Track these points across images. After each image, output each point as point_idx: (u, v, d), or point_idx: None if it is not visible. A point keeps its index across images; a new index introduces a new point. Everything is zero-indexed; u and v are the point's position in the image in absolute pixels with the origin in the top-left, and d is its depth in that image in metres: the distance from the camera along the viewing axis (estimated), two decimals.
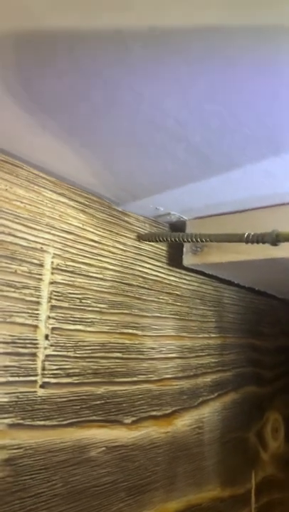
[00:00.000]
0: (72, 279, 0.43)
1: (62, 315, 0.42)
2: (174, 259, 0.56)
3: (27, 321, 0.38)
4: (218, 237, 0.46)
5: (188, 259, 0.53)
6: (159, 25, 0.23)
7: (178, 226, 0.55)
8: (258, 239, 0.42)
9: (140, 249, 0.52)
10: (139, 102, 0.30)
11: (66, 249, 0.43)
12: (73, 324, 0.43)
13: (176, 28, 0.23)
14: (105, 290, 0.46)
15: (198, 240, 0.47)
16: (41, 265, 0.40)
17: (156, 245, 0.54)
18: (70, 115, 0.32)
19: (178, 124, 0.32)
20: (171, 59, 0.26)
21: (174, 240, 0.50)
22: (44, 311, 0.40)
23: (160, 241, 0.51)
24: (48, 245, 0.41)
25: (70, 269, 0.43)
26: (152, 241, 0.51)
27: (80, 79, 0.28)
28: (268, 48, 0.24)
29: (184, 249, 0.53)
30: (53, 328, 0.41)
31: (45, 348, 0.40)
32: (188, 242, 0.49)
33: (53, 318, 0.41)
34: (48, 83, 0.29)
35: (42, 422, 0.39)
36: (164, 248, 0.56)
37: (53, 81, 0.28)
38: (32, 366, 0.39)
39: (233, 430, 0.66)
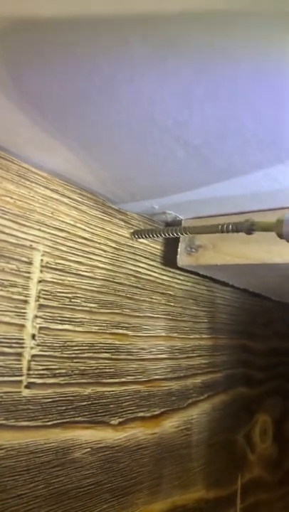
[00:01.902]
0: (62, 277, 0.42)
1: (51, 314, 0.41)
2: (168, 258, 0.55)
3: (13, 320, 0.38)
4: (196, 230, 0.47)
5: (182, 260, 0.52)
6: (152, 13, 0.22)
7: (174, 225, 0.54)
8: (234, 228, 0.42)
9: (133, 247, 0.51)
10: (139, 99, 0.29)
11: (56, 246, 0.42)
12: (61, 324, 0.42)
13: (173, 17, 0.22)
14: (96, 289, 0.45)
15: (175, 233, 0.47)
16: (30, 263, 0.39)
17: (151, 244, 0.53)
18: (64, 110, 0.31)
19: (178, 124, 0.31)
20: (171, 55, 0.24)
21: (155, 235, 0.49)
22: (31, 310, 0.39)
23: (144, 237, 0.50)
24: (38, 243, 0.40)
25: (60, 267, 0.42)
26: (139, 238, 0.50)
27: (75, 73, 0.27)
28: (273, 49, 0.23)
29: (179, 250, 0.52)
30: (40, 328, 0.40)
31: (32, 348, 0.39)
32: (167, 236, 0.49)
33: (41, 318, 0.40)
34: (40, 77, 0.27)
35: (26, 423, 0.38)
36: (158, 247, 0.55)
37: (46, 75, 0.27)
38: (17, 366, 0.38)
39: (221, 432, 0.66)
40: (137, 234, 0.50)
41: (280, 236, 0.38)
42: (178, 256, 0.52)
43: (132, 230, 0.50)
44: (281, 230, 0.38)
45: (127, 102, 0.29)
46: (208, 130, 0.31)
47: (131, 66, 0.26)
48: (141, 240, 0.51)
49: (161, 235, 0.49)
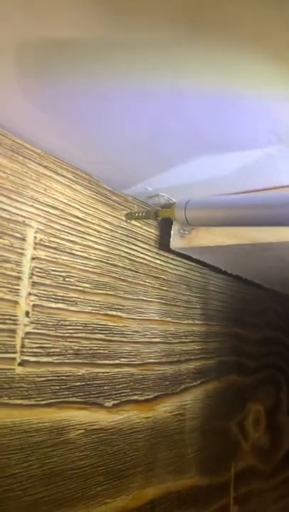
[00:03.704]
0: (56, 255, 0.42)
1: (44, 292, 0.40)
2: (162, 242, 0.55)
3: (6, 296, 0.37)
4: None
5: (175, 242, 0.52)
6: None
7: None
8: (144, 215, 0.48)
9: (127, 229, 0.51)
10: (132, 68, 0.28)
11: (50, 224, 0.41)
12: (55, 302, 0.41)
13: None
14: (90, 269, 0.45)
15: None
16: (23, 239, 0.39)
17: (144, 227, 0.53)
18: (57, 84, 0.30)
19: (172, 93, 0.31)
20: (163, 20, 0.24)
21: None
22: (25, 287, 0.39)
23: (134, 219, 0.51)
24: (31, 219, 0.39)
25: (54, 245, 0.41)
26: (131, 220, 0.50)
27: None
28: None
29: (172, 232, 0.52)
30: (34, 305, 0.39)
31: (25, 325, 0.38)
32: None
33: (35, 295, 0.39)
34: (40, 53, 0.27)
35: (19, 401, 0.38)
36: (152, 231, 0.55)
37: (44, 51, 0.27)
38: (11, 343, 0.37)
39: (214, 419, 0.66)
40: (129, 216, 0.50)
41: (176, 220, 0.43)
42: (171, 238, 0.52)
43: (125, 212, 0.50)
44: (174, 215, 0.42)
45: (120, 71, 0.29)
46: (203, 99, 0.31)
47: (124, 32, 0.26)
48: (135, 223, 0.51)
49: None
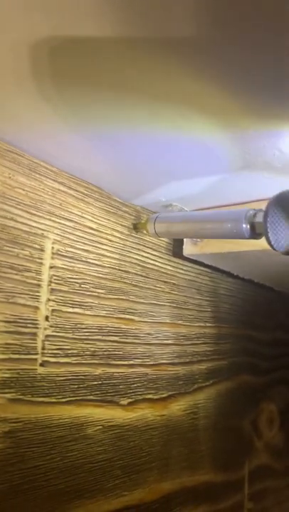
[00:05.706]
0: (72, 264, 0.45)
1: (62, 298, 0.44)
2: (172, 249, 0.58)
3: (28, 302, 0.41)
4: None
5: (188, 249, 0.55)
6: None
7: None
8: (134, 227, 0.53)
9: (138, 238, 0.54)
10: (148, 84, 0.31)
11: (66, 235, 0.45)
12: (72, 307, 0.45)
13: None
14: (103, 276, 0.48)
15: None
16: (42, 250, 0.42)
17: None
18: (71, 105, 0.34)
19: (181, 117, 0.34)
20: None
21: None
22: (44, 293, 0.42)
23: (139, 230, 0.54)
24: (49, 231, 0.43)
25: (70, 254, 0.45)
26: (137, 230, 0.54)
27: None
28: None
29: (184, 240, 0.55)
30: (53, 310, 0.43)
31: (45, 329, 0.42)
32: None
33: (53, 301, 0.43)
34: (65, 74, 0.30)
35: (41, 399, 0.41)
36: (162, 238, 0.58)
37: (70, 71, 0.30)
38: (32, 345, 0.41)
39: (227, 417, 0.68)
40: (135, 227, 0.53)
41: (148, 233, 0.49)
42: (184, 246, 0.55)
43: (134, 222, 0.53)
44: (147, 228, 0.49)
45: (131, 98, 0.32)
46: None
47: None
48: (145, 231, 0.54)
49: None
